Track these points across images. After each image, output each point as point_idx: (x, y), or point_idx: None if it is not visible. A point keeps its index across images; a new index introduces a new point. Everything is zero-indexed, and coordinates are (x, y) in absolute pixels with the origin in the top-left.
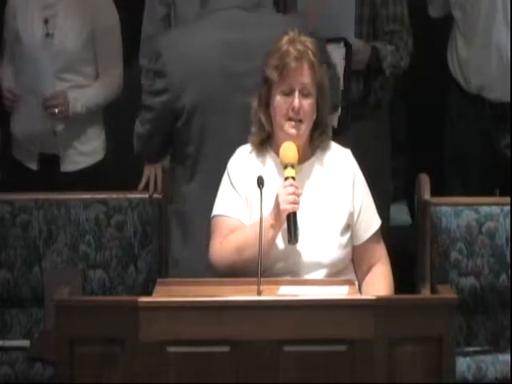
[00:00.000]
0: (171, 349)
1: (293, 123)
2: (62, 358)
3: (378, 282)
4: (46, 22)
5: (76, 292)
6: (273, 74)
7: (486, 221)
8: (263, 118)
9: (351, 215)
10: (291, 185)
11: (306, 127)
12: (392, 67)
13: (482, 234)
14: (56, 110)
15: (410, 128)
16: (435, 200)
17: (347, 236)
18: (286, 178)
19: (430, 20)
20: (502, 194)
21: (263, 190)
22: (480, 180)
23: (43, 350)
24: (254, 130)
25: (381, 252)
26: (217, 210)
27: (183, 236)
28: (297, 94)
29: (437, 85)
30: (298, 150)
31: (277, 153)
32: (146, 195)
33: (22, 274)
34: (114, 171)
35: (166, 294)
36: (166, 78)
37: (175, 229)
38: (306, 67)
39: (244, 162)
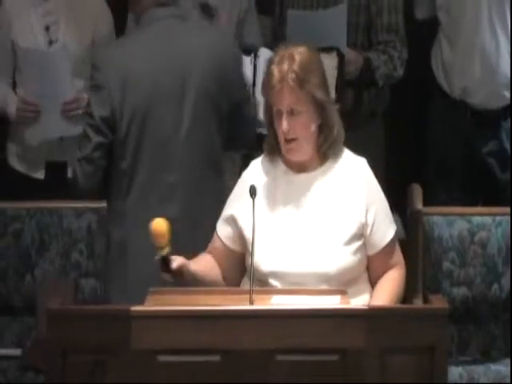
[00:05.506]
0: (163, 358)
1: (288, 143)
2: (54, 366)
3: (386, 285)
4: (47, 29)
5: (68, 301)
6: (265, 94)
7: (478, 230)
8: (269, 133)
9: (363, 226)
10: None
11: (302, 142)
12: (385, 77)
13: (474, 244)
14: (80, 112)
15: (399, 137)
16: (427, 210)
17: (355, 245)
18: None
19: (416, 23)
20: (486, 203)
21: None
22: (463, 188)
23: (35, 359)
24: (266, 138)
25: (396, 258)
26: (218, 221)
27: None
28: (284, 115)
29: (422, 91)
30: (305, 162)
31: (285, 163)
32: None
33: (14, 283)
34: None
35: (157, 303)
36: (105, 90)
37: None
38: (286, 90)
39: (255, 173)
